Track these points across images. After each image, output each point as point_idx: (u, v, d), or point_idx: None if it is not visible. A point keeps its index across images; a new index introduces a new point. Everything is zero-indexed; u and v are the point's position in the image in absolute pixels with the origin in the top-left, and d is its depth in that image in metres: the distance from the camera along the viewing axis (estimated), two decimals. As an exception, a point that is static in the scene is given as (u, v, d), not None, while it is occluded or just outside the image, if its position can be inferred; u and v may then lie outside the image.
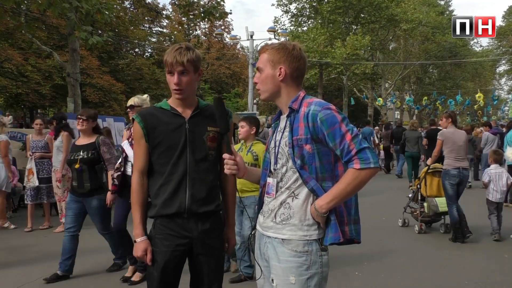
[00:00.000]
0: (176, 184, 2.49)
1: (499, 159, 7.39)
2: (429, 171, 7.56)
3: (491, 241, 6.89)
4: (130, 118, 4.82)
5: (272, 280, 2.19)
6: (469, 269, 5.50)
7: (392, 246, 6.55)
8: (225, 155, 2.30)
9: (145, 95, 5.31)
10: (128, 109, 4.97)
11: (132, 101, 4.99)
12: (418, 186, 7.66)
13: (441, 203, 7.26)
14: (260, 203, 2.35)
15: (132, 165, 4.57)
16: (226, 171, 2.30)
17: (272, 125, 2.43)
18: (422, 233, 7.45)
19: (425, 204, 7.55)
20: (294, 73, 2.24)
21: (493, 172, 7.11)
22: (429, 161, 7.55)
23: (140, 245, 2.52)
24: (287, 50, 2.23)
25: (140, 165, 2.57)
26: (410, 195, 7.97)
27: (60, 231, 7.40)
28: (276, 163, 2.25)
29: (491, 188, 7.04)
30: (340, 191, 2.05)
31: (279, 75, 2.22)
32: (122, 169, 4.81)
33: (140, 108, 4.74)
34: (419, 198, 7.66)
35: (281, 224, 2.17)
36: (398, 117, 48.52)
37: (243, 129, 4.90)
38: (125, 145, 4.84)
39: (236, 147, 4.97)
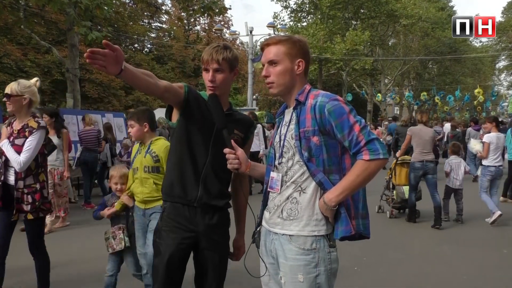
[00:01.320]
0: (192, 174, 2.52)
1: (457, 151, 8.17)
2: (398, 162, 8.21)
3: (490, 237, 6.92)
4: (8, 110, 3.79)
5: (281, 277, 2.17)
6: (468, 264, 5.52)
7: (391, 242, 6.57)
8: (226, 150, 2.29)
9: (33, 80, 3.92)
10: (5, 99, 3.76)
11: (9, 88, 3.72)
12: (390, 175, 8.32)
13: (407, 190, 7.91)
14: (265, 199, 2.32)
15: (15, 172, 3.69)
16: (229, 166, 2.28)
17: (277, 119, 2.40)
18: (393, 218, 8.22)
19: (394, 191, 8.33)
20: (307, 68, 2.24)
21: (454, 162, 7.91)
22: (398, 154, 8.30)
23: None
24: (302, 43, 2.21)
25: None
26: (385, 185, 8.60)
27: (59, 227, 7.45)
28: (281, 157, 2.21)
29: (452, 177, 7.87)
30: (349, 183, 2.02)
31: (298, 68, 2.19)
32: (1, 178, 3.74)
33: (21, 98, 3.70)
34: (391, 186, 8.32)
35: (288, 220, 2.14)
36: (398, 112, 48.50)
37: (133, 129, 3.99)
38: (5, 146, 3.70)
39: (133, 149, 4.21)
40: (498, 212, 7.49)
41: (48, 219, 6.84)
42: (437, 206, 7.47)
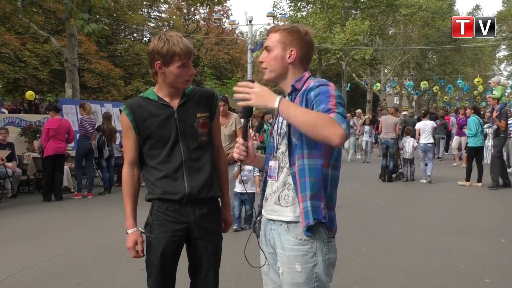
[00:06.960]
0: (173, 174, 2.46)
1: (409, 133, 11.82)
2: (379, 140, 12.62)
3: (489, 226, 6.95)
4: None
5: (279, 267, 2.17)
6: (466, 253, 5.53)
7: (390, 231, 6.59)
8: (239, 139, 2.23)
9: None
10: None
11: None
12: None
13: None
14: (264, 188, 2.31)
15: None
16: (235, 155, 2.24)
17: None
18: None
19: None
20: (303, 58, 2.21)
21: (405, 141, 11.66)
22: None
23: (130, 237, 2.51)
24: (299, 34, 2.19)
25: (130, 157, 2.54)
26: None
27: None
28: (279, 144, 2.21)
29: (404, 151, 11.58)
30: (301, 111, 1.95)
31: (289, 57, 2.18)
32: None
33: None
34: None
35: (285, 206, 2.14)
36: (397, 102, 48.43)
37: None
38: None
39: None
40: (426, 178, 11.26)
41: None
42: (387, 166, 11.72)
